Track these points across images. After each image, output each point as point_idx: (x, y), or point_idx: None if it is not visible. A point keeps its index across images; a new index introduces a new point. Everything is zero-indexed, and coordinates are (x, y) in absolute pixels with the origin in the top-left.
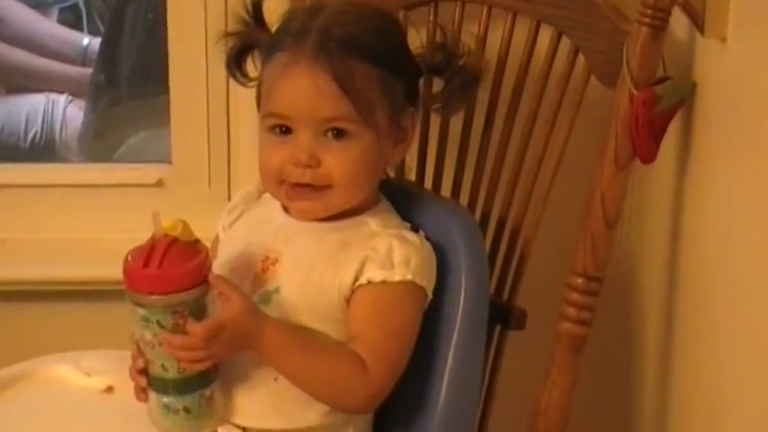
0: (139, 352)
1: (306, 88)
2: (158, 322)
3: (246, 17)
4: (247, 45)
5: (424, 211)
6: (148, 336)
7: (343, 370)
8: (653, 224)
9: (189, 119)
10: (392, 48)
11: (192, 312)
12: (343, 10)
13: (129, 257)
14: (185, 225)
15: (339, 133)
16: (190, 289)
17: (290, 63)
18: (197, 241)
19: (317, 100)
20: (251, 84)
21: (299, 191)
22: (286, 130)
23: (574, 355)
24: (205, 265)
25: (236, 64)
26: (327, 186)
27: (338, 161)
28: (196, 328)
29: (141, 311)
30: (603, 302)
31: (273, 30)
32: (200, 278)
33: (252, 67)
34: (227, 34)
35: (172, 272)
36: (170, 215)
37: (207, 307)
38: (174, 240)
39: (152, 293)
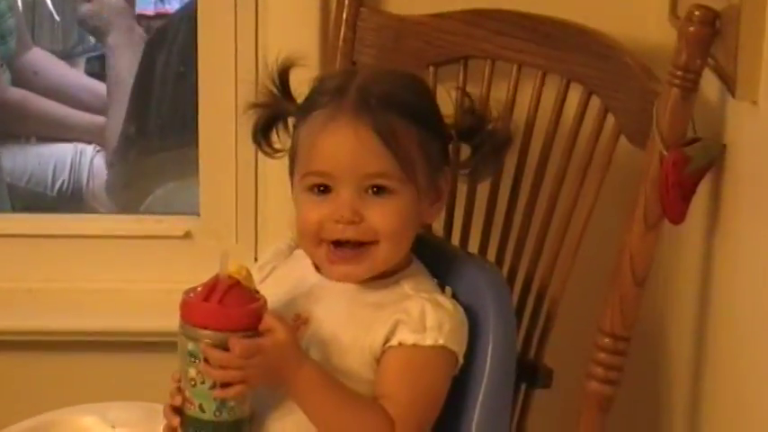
0: (178, 390)
1: (348, 143)
2: (206, 359)
3: (273, 88)
4: (274, 116)
5: (453, 269)
6: (192, 372)
7: (371, 425)
8: (682, 284)
9: (217, 172)
10: (429, 108)
11: None
12: (377, 71)
13: (190, 292)
14: (248, 272)
15: (381, 190)
16: (244, 330)
17: (330, 119)
18: (257, 291)
19: (360, 155)
20: (278, 155)
21: (340, 254)
22: (325, 190)
23: (601, 414)
24: (262, 312)
25: (262, 135)
26: (373, 242)
27: (382, 216)
28: (235, 345)
29: (190, 346)
30: (631, 361)
31: (300, 98)
32: (256, 322)
33: (277, 138)
34: (253, 105)
35: (230, 309)
36: (197, 267)
37: None
38: (237, 283)
39: (207, 327)
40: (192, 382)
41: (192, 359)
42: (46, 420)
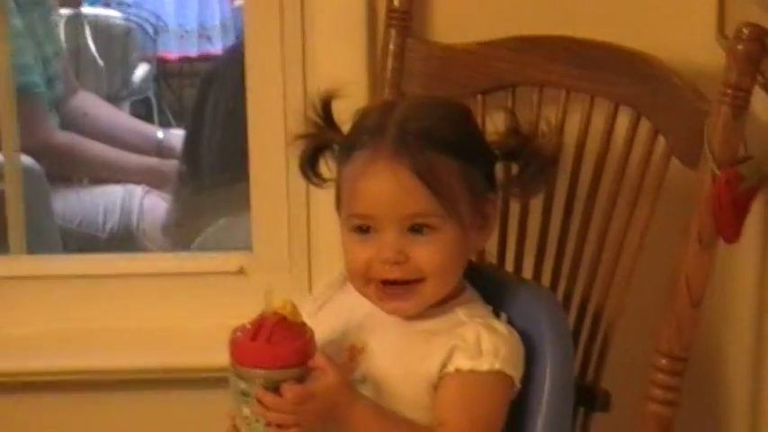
0: (234, 428)
1: (388, 186)
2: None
3: (317, 119)
4: (320, 146)
5: (507, 295)
6: (246, 411)
7: None
8: (737, 302)
9: (269, 206)
10: (469, 137)
11: None
12: (416, 104)
13: (238, 332)
14: (294, 306)
15: (423, 228)
16: (294, 367)
17: (370, 162)
18: (304, 324)
19: (400, 197)
20: (325, 185)
21: (389, 292)
22: (369, 230)
23: None
24: (310, 347)
25: (309, 166)
26: (420, 280)
27: (426, 255)
28: (287, 391)
29: (242, 385)
30: (688, 383)
31: (344, 129)
32: (305, 358)
33: (325, 167)
34: (298, 137)
35: (279, 348)
36: (251, 303)
37: None
38: (283, 318)
39: (257, 367)
40: (247, 421)
41: (245, 397)
42: None
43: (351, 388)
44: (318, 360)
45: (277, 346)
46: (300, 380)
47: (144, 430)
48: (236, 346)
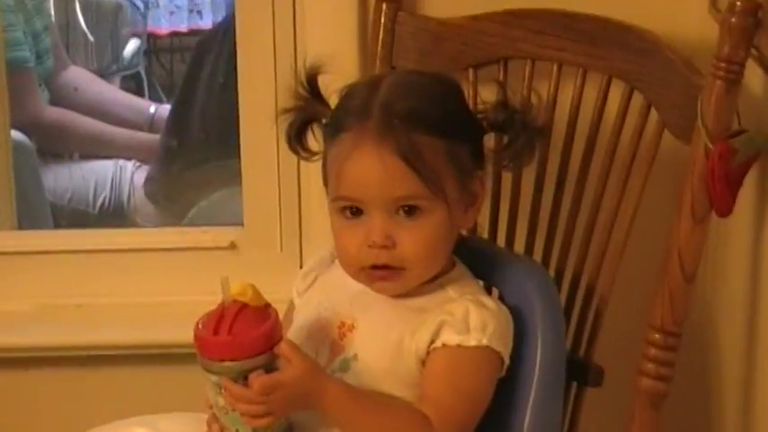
0: (214, 418)
1: (374, 170)
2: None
3: (303, 92)
4: (307, 119)
5: (499, 270)
6: (222, 401)
7: (407, 429)
8: (730, 276)
9: (260, 181)
10: (455, 115)
11: None
12: (401, 82)
13: (200, 325)
14: (254, 289)
15: (411, 210)
16: (260, 354)
17: (355, 145)
18: (267, 305)
19: (387, 181)
20: (314, 159)
21: (378, 273)
22: (357, 212)
23: (654, 411)
24: (275, 330)
25: (297, 139)
26: (403, 269)
27: (412, 242)
28: (254, 381)
29: (214, 378)
30: (681, 358)
31: (331, 102)
32: (271, 343)
33: (314, 140)
34: (284, 110)
35: (242, 338)
36: (243, 278)
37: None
38: (244, 306)
39: (223, 360)
40: (224, 410)
41: (219, 389)
42: None
43: (320, 374)
44: (284, 348)
45: (239, 336)
46: (269, 365)
47: (135, 405)
48: (199, 340)
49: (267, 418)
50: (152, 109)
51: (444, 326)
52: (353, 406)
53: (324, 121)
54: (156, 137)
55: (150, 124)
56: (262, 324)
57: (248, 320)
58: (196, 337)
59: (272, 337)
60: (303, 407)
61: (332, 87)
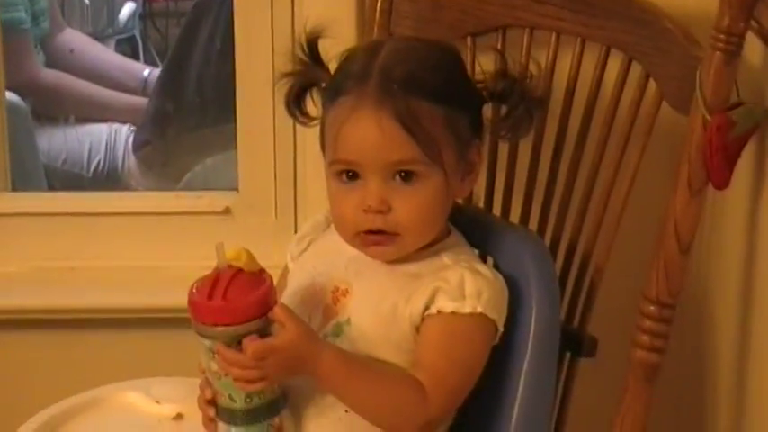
0: (207, 382)
1: (371, 134)
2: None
3: (303, 56)
4: (306, 84)
5: (494, 239)
6: (215, 366)
7: (400, 395)
8: (726, 250)
9: (256, 147)
10: (454, 82)
11: None
12: (402, 47)
13: (194, 289)
14: (249, 254)
15: (407, 175)
16: (255, 319)
17: (353, 108)
18: (262, 270)
19: (384, 145)
20: (312, 123)
21: (372, 238)
22: (353, 176)
23: (647, 383)
24: (270, 295)
25: (295, 104)
26: (397, 234)
27: (408, 207)
28: (247, 346)
29: (207, 342)
30: (676, 330)
31: (331, 67)
32: (265, 308)
33: (312, 105)
34: (284, 75)
35: (236, 303)
36: (237, 243)
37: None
38: (239, 271)
39: (217, 325)
40: (217, 375)
41: (212, 354)
42: (90, 397)
43: (314, 339)
44: (278, 313)
45: (234, 301)
46: (263, 330)
47: (128, 369)
48: (193, 305)
49: (260, 383)
50: (145, 72)
51: (439, 292)
52: (347, 371)
53: (323, 85)
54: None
55: (143, 88)
56: (256, 289)
57: (243, 285)
58: (190, 301)
59: (267, 303)
60: (297, 372)
61: (332, 53)
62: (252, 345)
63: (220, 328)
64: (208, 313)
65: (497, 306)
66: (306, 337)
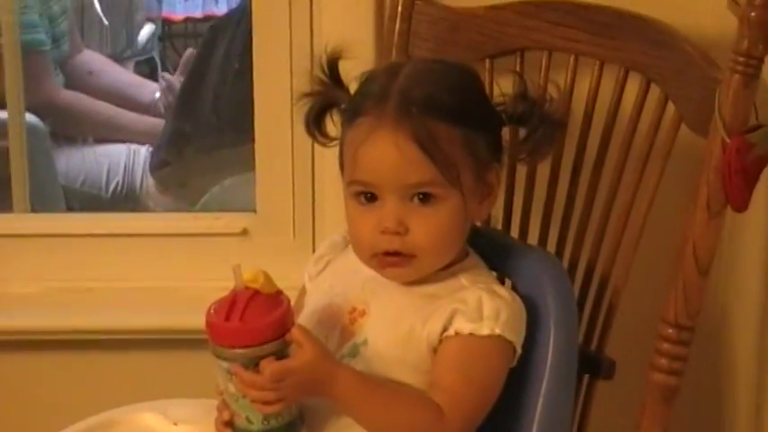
0: (225, 404)
1: (389, 155)
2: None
3: (323, 77)
4: (326, 105)
5: (512, 261)
6: (232, 388)
7: (417, 416)
8: (745, 272)
9: (274, 167)
10: (474, 104)
11: None
12: (421, 69)
13: (211, 311)
14: (266, 276)
15: (425, 197)
16: (272, 341)
17: (372, 129)
18: (279, 292)
19: (402, 167)
20: (331, 144)
21: (389, 260)
22: (371, 197)
23: (665, 405)
24: (287, 317)
25: (315, 124)
26: (414, 256)
27: (425, 229)
28: (265, 368)
29: (224, 364)
30: (694, 353)
31: (351, 88)
32: (283, 330)
33: (332, 126)
34: (304, 95)
35: (253, 325)
36: (254, 264)
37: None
38: (256, 292)
39: (234, 347)
40: (234, 397)
41: (230, 375)
42: (107, 419)
43: (331, 361)
44: (295, 334)
45: (251, 323)
46: (281, 353)
47: (146, 390)
48: (210, 327)
49: (278, 405)
50: (157, 94)
51: (457, 314)
52: (364, 393)
53: (342, 106)
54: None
55: (156, 108)
56: (273, 311)
57: (260, 307)
58: (207, 323)
59: (284, 324)
60: (314, 393)
61: (352, 74)
62: (269, 366)
63: (238, 350)
64: (225, 335)
65: (515, 328)
66: (323, 359)
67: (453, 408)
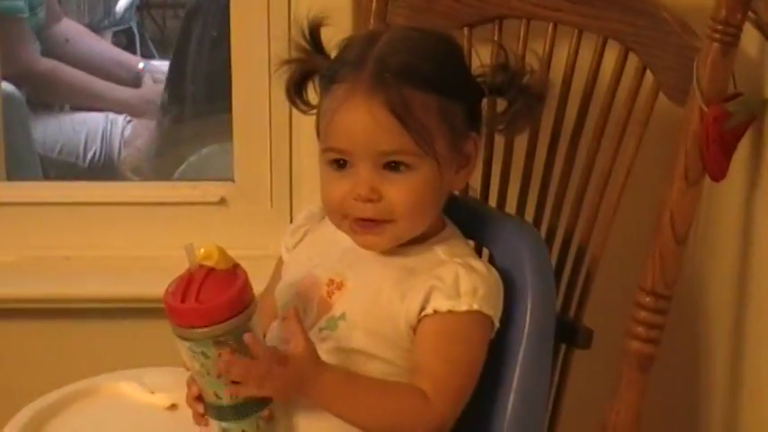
0: (193, 380)
1: (363, 122)
2: (203, 353)
3: (305, 44)
4: (307, 72)
5: (490, 230)
6: (197, 366)
7: (404, 406)
8: (722, 241)
9: (251, 137)
10: (451, 73)
11: (236, 340)
12: (399, 36)
13: (169, 291)
14: (221, 252)
15: (398, 166)
16: (230, 319)
17: (347, 96)
18: (236, 266)
19: (375, 134)
20: (312, 112)
21: (363, 224)
22: (345, 164)
23: (641, 373)
24: (245, 292)
25: (296, 91)
26: (390, 221)
27: (399, 194)
28: (262, 351)
29: (186, 344)
30: (671, 320)
31: (332, 56)
32: (241, 306)
33: (313, 94)
34: (285, 62)
35: (210, 304)
36: (232, 233)
37: (252, 333)
38: (211, 270)
39: (193, 327)
40: (200, 374)
41: (193, 353)
42: (84, 387)
43: (318, 360)
44: (293, 326)
45: (208, 302)
46: (242, 327)
47: (122, 358)
48: (168, 308)
49: (250, 389)
50: (140, 65)
51: (434, 291)
52: (346, 390)
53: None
54: (143, 92)
55: (137, 80)
56: (229, 288)
57: (216, 285)
58: (165, 304)
59: (242, 300)
60: (295, 392)
61: (332, 43)
62: (266, 349)
63: (197, 330)
64: (183, 317)
65: (493, 301)
66: (313, 356)
67: (439, 392)
